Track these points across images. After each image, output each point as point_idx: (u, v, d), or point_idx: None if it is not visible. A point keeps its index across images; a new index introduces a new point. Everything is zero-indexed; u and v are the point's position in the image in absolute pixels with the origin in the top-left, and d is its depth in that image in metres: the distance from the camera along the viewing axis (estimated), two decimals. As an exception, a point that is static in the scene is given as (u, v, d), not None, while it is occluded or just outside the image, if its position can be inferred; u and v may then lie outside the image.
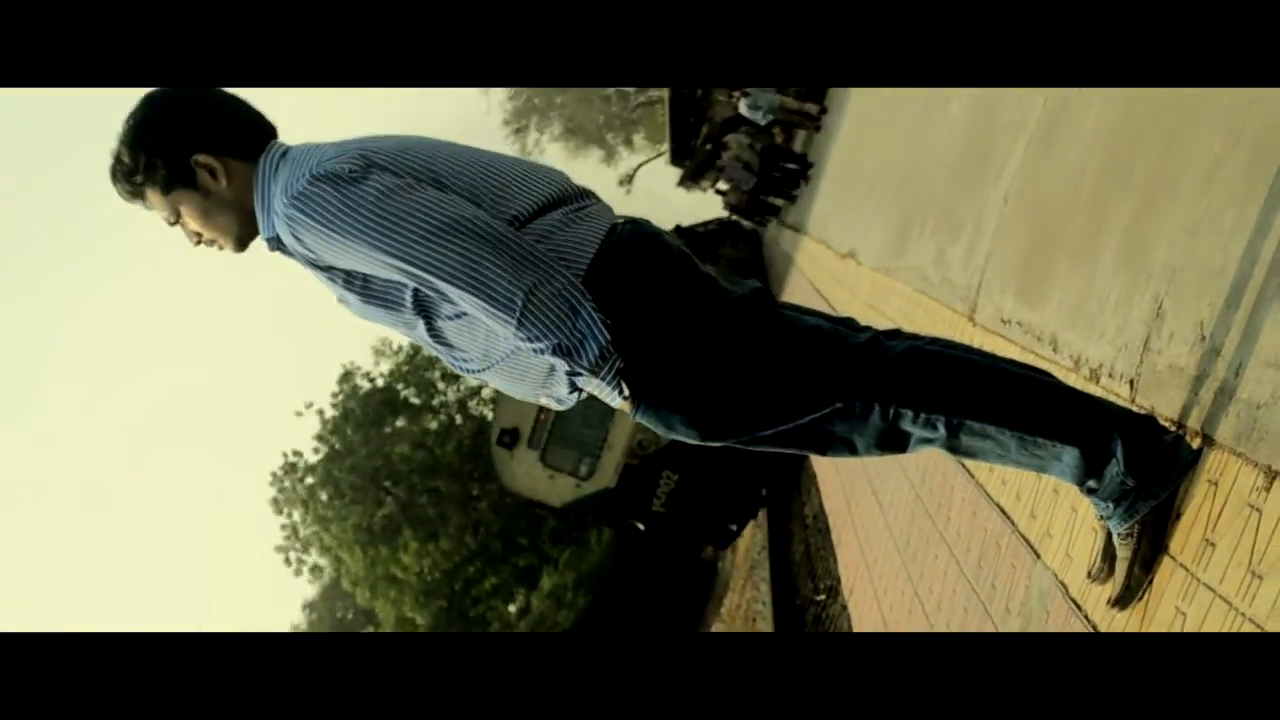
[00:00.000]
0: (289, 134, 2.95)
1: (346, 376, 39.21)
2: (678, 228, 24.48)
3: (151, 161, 2.80)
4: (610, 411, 14.94)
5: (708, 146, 31.37)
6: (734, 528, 16.66)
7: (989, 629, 3.76)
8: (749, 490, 16.22)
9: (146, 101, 2.82)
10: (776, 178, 22.42)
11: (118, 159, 2.83)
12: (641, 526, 16.82)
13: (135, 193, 2.86)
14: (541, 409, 15.50)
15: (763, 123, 21.98)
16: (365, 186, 2.63)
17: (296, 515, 39.12)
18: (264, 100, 2.96)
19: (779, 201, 23.91)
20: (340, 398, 38.79)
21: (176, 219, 2.88)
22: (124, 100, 2.81)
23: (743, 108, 22.11)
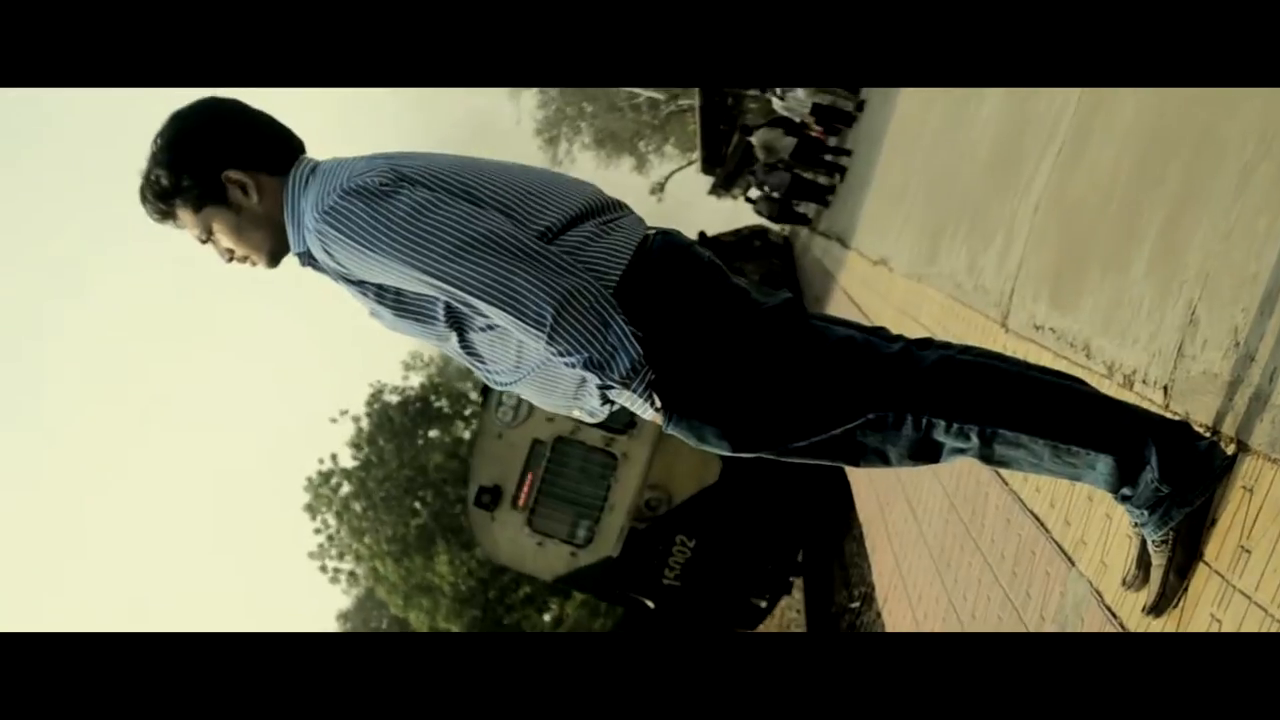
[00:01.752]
0: (315, 145, 2.97)
1: (375, 395, 39.27)
2: (702, 235, 23.62)
3: (182, 179, 2.81)
4: (611, 465, 13.68)
5: (739, 151, 31.31)
6: (763, 604, 14.29)
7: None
8: (781, 556, 14.07)
9: (175, 119, 2.83)
10: (810, 180, 22.27)
11: (148, 179, 2.83)
12: (651, 604, 14.32)
13: (166, 212, 2.87)
14: (528, 465, 13.75)
15: (798, 119, 21.93)
16: (396, 201, 2.64)
17: (332, 521, 39.13)
18: (282, 102, 2.97)
19: (810, 208, 23.81)
20: (374, 408, 38.84)
21: (208, 237, 2.88)
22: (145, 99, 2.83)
23: (778, 106, 22.10)
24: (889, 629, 6.06)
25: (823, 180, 22.14)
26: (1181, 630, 2.66)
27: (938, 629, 4.96)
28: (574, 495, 13.93)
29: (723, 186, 43.11)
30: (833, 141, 22.63)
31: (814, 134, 22.39)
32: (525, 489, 13.88)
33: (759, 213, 24.74)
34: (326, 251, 2.72)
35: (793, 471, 13.07)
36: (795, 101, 21.62)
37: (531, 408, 13.43)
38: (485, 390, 14.25)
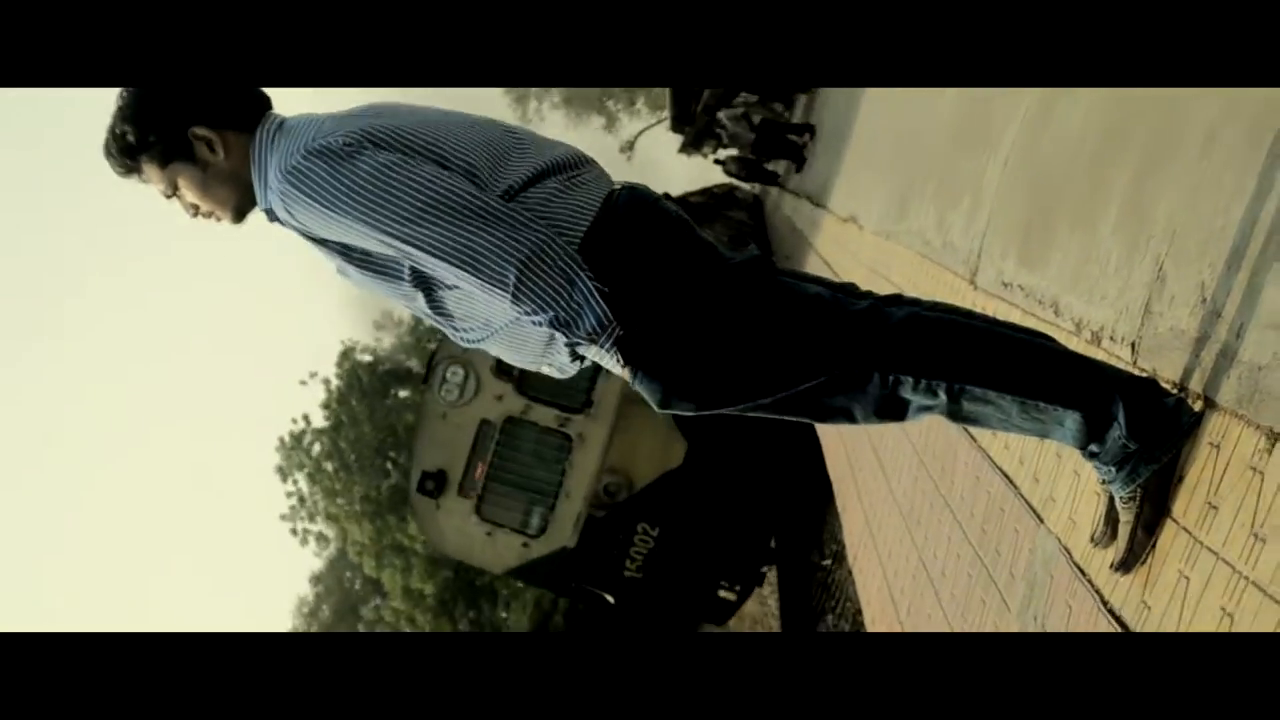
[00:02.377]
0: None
1: (346, 354, 39.10)
2: (666, 196, 23.11)
3: (148, 135, 2.80)
4: (566, 448, 13.03)
5: (706, 116, 31.23)
6: (733, 596, 13.27)
7: (993, 594, 3.76)
8: (753, 544, 13.17)
9: None
10: (774, 150, 22.25)
11: (113, 133, 2.82)
12: (610, 599, 13.46)
13: (131, 168, 2.86)
14: (475, 448, 13.08)
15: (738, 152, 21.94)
16: (358, 163, 2.63)
17: (303, 482, 38.98)
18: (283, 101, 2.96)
19: (780, 165, 23.80)
20: (344, 370, 38.69)
21: (174, 192, 2.88)
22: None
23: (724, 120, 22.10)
24: (860, 587, 6.08)
25: (780, 168, 22.12)
26: (1149, 586, 2.68)
27: (907, 587, 4.98)
28: (526, 480, 13.26)
29: (693, 145, 43.01)
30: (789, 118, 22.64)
31: (778, 111, 22.39)
32: (473, 474, 13.22)
33: (728, 173, 24.68)
34: (288, 210, 2.72)
35: (763, 453, 12.94)
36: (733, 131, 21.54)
37: (479, 385, 13.12)
38: (428, 365, 13.43)
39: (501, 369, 13.06)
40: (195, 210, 2.92)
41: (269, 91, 2.94)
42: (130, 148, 2.82)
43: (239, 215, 2.92)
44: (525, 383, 13.14)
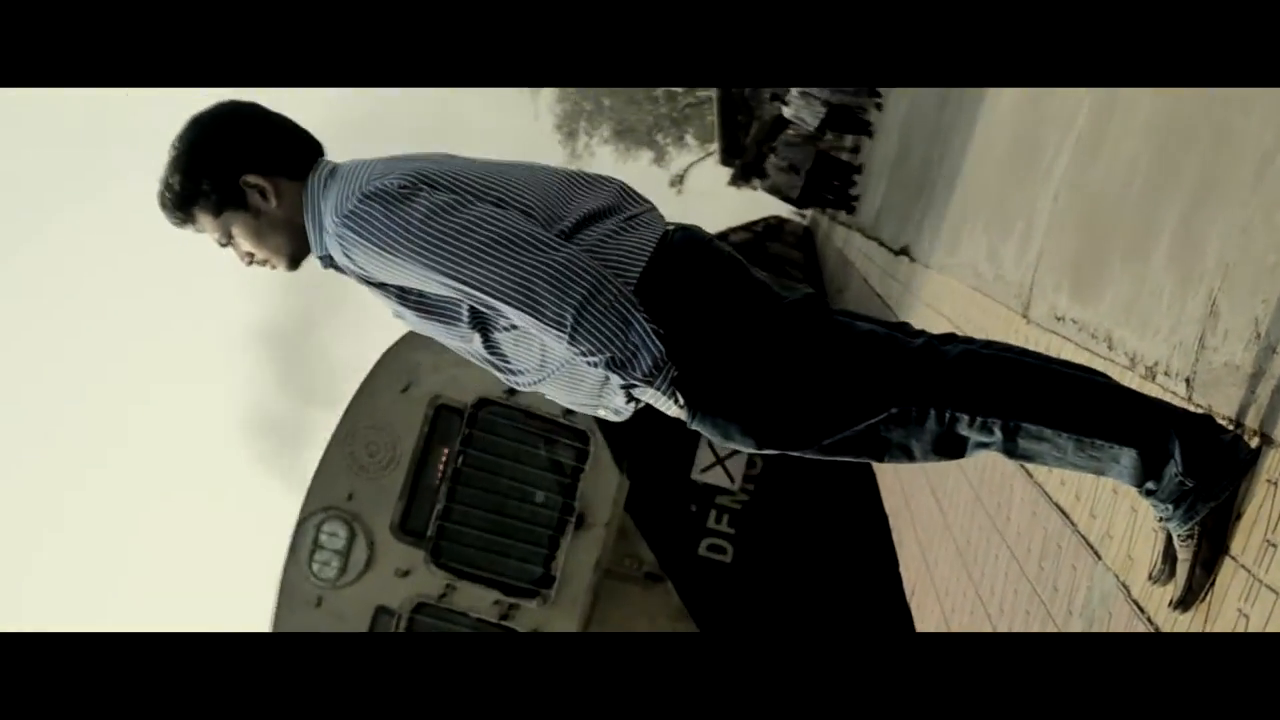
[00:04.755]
0: (333, 147, 2.98)
1: None
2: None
3: (201, 185, 2.83)
4: (568, 499, 10.28)
5: (761, 148, 31.16)
6: None
7: (1051, 630, 3.73)
8: None
9: (193, 125, 2.85)
10: (827, 191, 22.06)
11: (166, 184, 2.85)
12: None
13: (185, 218, 2.89)
14: (414, 479, 10.17)
15: (812, 126, 21.73)
16: (414, 204, 2.65)
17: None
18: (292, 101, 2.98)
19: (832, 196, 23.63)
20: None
21: (228, 241, 2.91)
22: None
23: (787, 113, 21.91)
24: (916, 623, 6.05)
25: (838, 191, 21.85)
26: (1209, 625, 2.66)
27: (965, 621, 4.95)
28: (501, 544, 10.52)
29: (742, 177, 43.03)
30: (845, 155, 22.37)
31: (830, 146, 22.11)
32: (413, 514, 10.44)
33: (775, 190, 24.16)
34: (347, 255, 2.74)
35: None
36: (802, 109, 21.33)
37: (371, 554, 10.05)
38: (297, 530, 10.12)
39: (407, 529, 10.24)
40: (250, 258, 2.95)
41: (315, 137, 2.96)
42: (183, 199, 2.85)
43: (294, 263, 2.95)
44: (446, 549, 10.29)
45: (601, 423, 9.04)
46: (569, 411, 8.98)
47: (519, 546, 10.40)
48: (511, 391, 9.79)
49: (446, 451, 10.39)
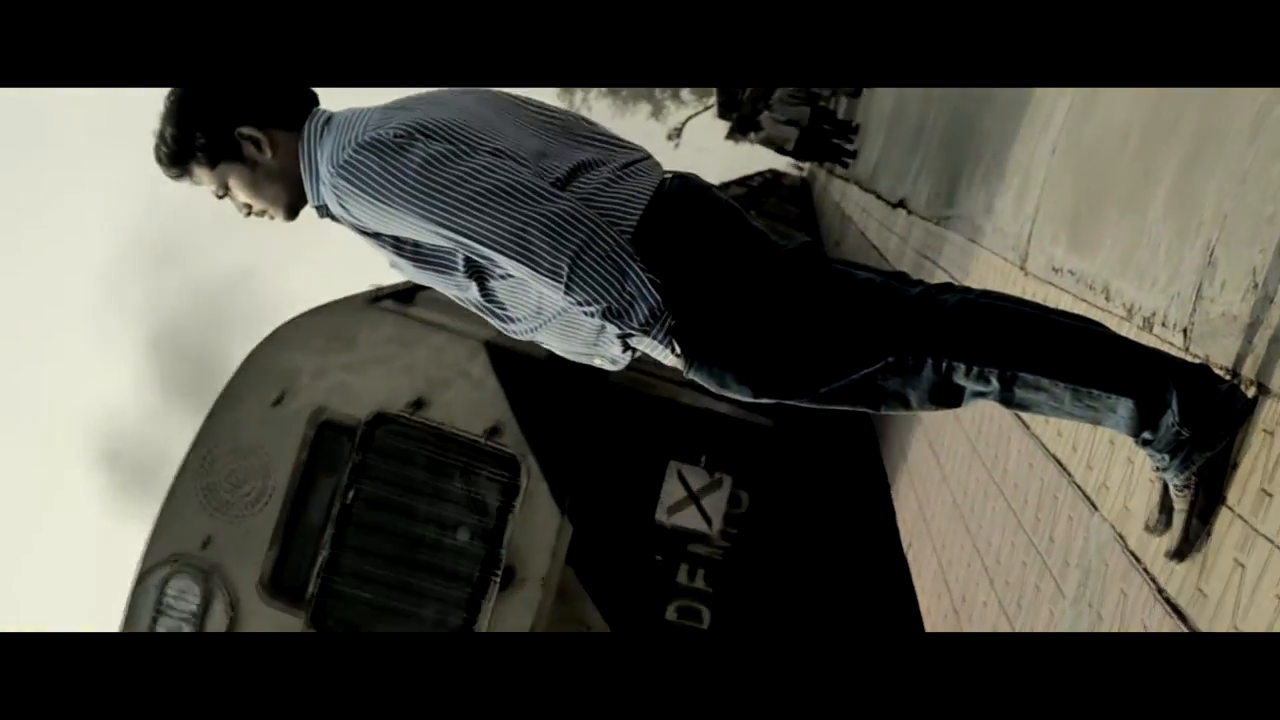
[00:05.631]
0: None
1: None
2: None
3: (195, 137, 2.84)
4: (493, 547, 7.76)
5: (756, 104, 31.10)
6: None
7: (1048, 581, 3.75)
8: None
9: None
10: (824, 146, 22.05)
11: (161, 137, 2.87)
12: None
13: (181, 171, 2.90)
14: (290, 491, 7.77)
15: (788, 146, 21.75)
16: (410, 154, 2.66)
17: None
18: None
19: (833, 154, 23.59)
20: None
21: (225, 192, 2.92)
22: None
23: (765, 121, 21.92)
24: (914, 575, 6.07)
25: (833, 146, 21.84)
26: (1205, 574, 2.66)
27: (962, 574, 4.97)
28: (423, 567, 8.15)
29: (740, 130, 42.97)
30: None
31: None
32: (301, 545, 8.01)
33: (770, 143, 24.18)
34: (342, 205, 2.75)
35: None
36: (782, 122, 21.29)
37: (233, 620, 7.49)
38: (135, 586, 7.91)
39: (281, 585, 7.89)
40: (248, 210, 2.96)
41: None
42: (178, 152, 2.86)
43: (292, 212, 2.96)
44: (331, 612, 7.88)
45: (537, 448, 7.60)
46: (493, 432, 7.62)
47: (427, 609, 7.84)
48: (417, 406, 7.70)
49: (333, 483, 7.87)
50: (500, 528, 7.74)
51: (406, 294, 8.25)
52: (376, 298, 8.22)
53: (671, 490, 7.97)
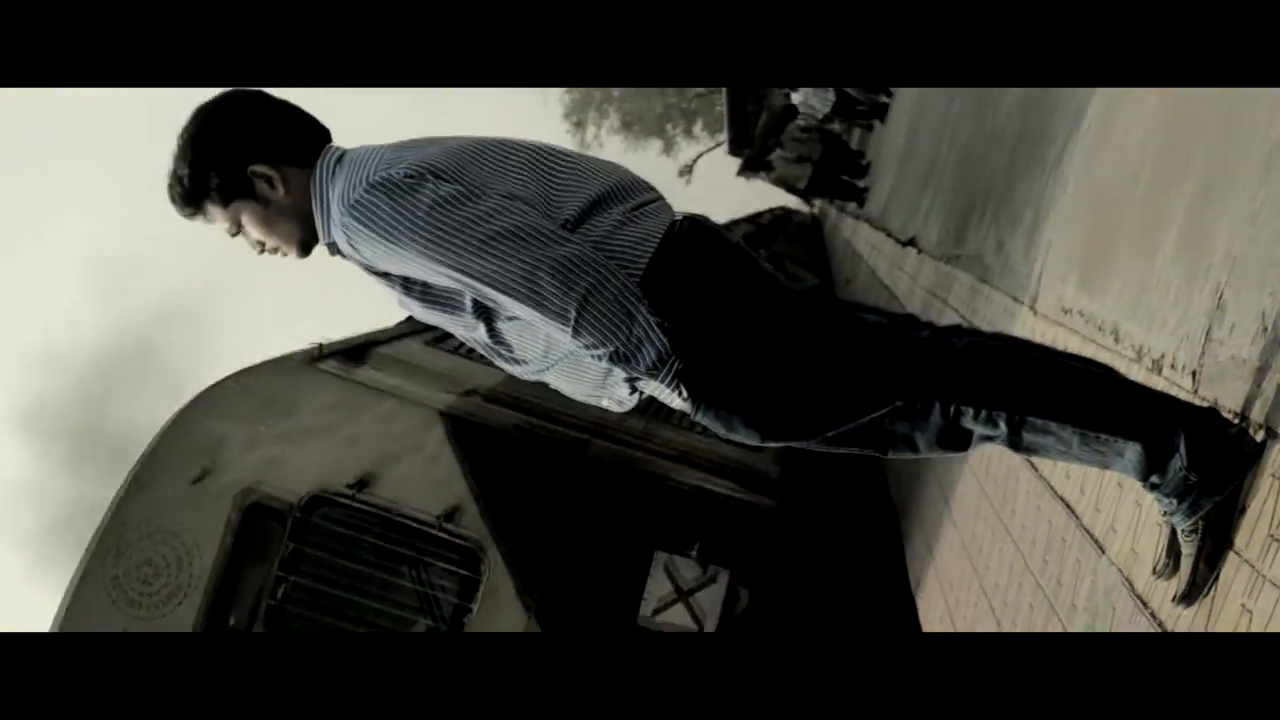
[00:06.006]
0: (342, 137, 2.98)
1: None
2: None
3: (209, 177, 2.83)
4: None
5: (767, 141, 31.13)
6: None
7: (1055, 624, 3.72)
8: None
9: (198, 115, 2.86)
10: (836, 184, 21.97)
11: (175, 178, 2.86)
12: None
13: (194, 210, 2.90)
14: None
15: (819, 116, 21.68)
16: (420, 195, 2.65)
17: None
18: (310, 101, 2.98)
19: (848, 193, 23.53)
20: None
21: (238, 230, 2.92)
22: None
23: (795, 99, 21.88)
24: (921, 614, 6.04)
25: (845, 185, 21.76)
26: (1212, 620, 2.64)
27: (970, 614, 4.94)
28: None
29: (750, 168, 43.03)
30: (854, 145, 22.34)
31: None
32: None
33: (781, 183, 24.07)
34: (351, 244, 2.74)
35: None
36: (811, 96, 21.32)
37: None
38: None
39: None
40: (261, 247, 2.95)
41: (323, 122, 2.96)
42: (191, 191, 2.86)
43: (305, 250, 2.95)
44: None
45: (501, 535, 6.62)
46: (450, 516, 6.61)
47: None
48: (361, 485, 6.64)
49: (262, 576, 6.81)
50: (457, 630, 6.71)
51: (354, 352, 7.13)
52: (317, 356, 7.01)
53: (658, 585, 6.83)
